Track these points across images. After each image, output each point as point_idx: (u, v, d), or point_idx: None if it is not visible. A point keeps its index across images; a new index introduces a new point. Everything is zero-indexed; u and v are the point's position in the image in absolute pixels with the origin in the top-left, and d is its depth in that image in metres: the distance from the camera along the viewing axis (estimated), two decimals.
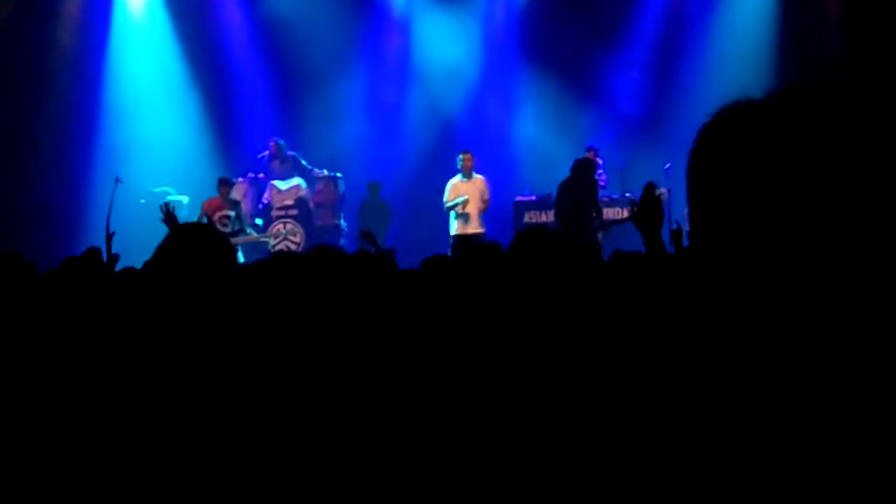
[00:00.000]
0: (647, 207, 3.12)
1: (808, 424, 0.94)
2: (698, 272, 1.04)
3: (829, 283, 0.95)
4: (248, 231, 11.48)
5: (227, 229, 11.09)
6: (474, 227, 10.77)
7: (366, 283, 2.99)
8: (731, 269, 1.00)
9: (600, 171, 12.15)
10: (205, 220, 10.61)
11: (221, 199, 11.51)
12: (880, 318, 0.94)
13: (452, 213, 10.95)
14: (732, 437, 0.98)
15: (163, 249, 2.34)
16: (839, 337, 0.95)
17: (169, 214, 6.39)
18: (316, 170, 12.67)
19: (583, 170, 10.14)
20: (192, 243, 2.33)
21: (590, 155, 11.64)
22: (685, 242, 5.65)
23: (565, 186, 10.11)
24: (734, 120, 1.03)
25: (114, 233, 6.78)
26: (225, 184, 11.62)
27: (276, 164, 12.63)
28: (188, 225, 2.49)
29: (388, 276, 3.41)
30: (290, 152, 12.71)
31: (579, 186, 9.98)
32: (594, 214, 10.13)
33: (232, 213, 11.35)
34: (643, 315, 2.37)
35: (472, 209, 10.87)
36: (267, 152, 12.74)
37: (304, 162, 12.69)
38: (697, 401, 1.02)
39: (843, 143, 0.95)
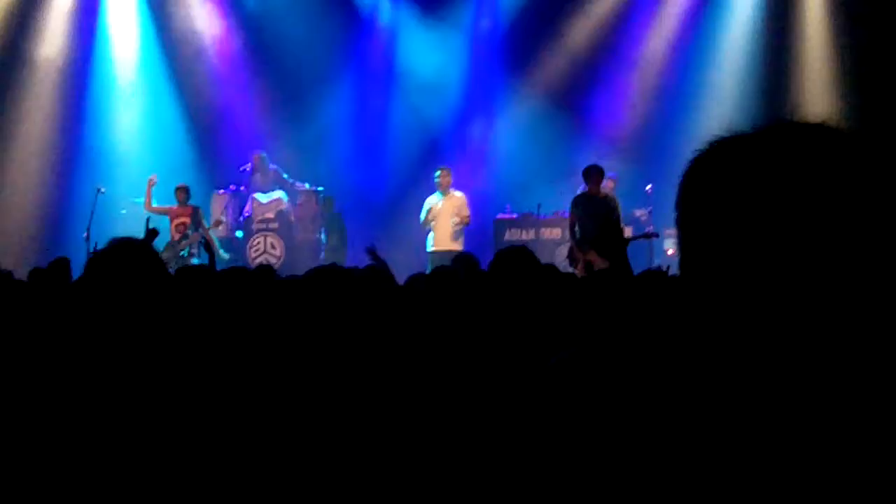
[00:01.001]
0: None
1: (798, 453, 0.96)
2: (689, 302, 1.06)
3: (817, 312, 0.97)
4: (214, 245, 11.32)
5: (186, 237, 11.09)
6: (448, 244, 10.60)
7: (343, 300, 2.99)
8: (722, 298, 1.02)
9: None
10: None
11: (179, 206, 11.47)
12: (872, 348, 0.97)
13: (429, 231, 10.93)
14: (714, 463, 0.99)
15: (92, 265, 2.34)
16: (830, 363, 0.97)
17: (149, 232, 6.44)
18: (298, 183, 12.65)
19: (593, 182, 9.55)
20: (119, 259, 2.32)
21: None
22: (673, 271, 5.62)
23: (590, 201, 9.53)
24: (724, 154, 1.05)
25: (97, 244, 6.75)
26: (181, 191, 11.60)
27: (257, 176, 12.61)
28: (119, 240, 2.47)
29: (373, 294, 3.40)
30: (271, 166, 12.69)
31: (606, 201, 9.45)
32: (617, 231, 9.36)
33: (189, 221, 11.33)
34: (623, 332, 2.38)
35: (446, 226, 10.81)
36: (249, 164, 12.72)
37: (285, 175, 12.67)
38: (674, 422, 1.03)
39: (834, 179, 0.98)
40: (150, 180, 11.63)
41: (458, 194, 10.98)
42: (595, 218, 9.30)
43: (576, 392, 1.13)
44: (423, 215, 10.94)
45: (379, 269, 3.94)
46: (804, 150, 1.00)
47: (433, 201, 10.92)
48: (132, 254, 2.34)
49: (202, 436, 2.12)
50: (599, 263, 8.59)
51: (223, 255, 11.21)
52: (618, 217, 9.48)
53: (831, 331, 0.97)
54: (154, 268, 2.36)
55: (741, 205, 1.00)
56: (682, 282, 1.08)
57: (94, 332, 2.25)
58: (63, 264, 5.21)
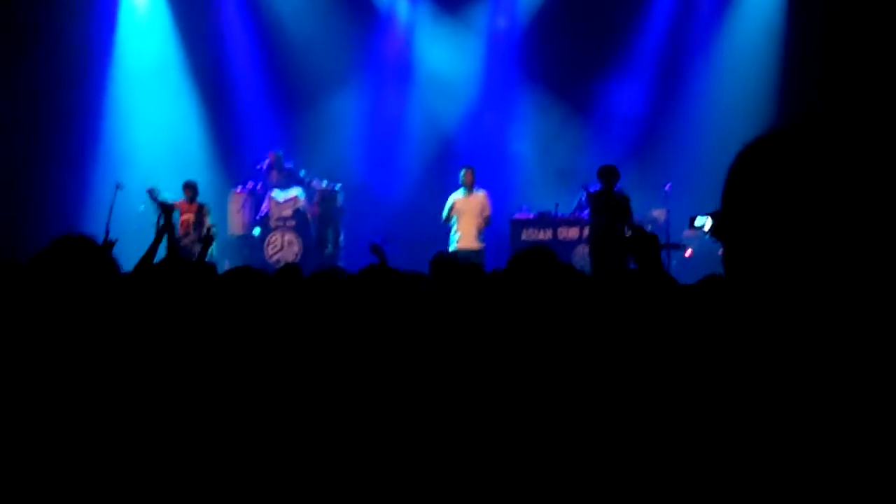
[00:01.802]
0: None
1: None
2: (736, 298, 1.05)
3: (866, 308, 0.97)
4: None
5: (192, 233, 11.03)
6: (471, 244, 10.73)
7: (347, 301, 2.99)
8: (771, 293, 1.02)
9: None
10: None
11: (186, 202, 11.45)
12: None
13: (452, 228, 10.95)
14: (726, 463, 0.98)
15: (40, 258, 2.34)
16: (875, 359, 0.97)
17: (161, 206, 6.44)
18: (315, 181, 12.67)
19: (613, 180, 9.63)
20: (67, 255, 2.32)
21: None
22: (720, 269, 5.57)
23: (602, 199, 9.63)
24: (771, 149, 1.05)
25: (115, 241, 6.76)
26: (189, 188, 11.52)
27: (273, 174, 12.63)
28: (67, 237, 2.46)
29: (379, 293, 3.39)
30: (287, 164, 12.71)
31: (615, 201, 9.53)
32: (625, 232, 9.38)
33: (193, 219, 11.26)
34: (645, 337, 2.37)
35: (470, 225, 10.86)
36: (266, 162, 12.75)
37: (301, 174, 12.69)
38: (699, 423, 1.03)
39: (880, 170, 0.98)
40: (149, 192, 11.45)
41: (481, 193, 11.02)
42: (614, 217, 9.34)
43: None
44: (445, 212, 10.98)
45: (377, 268, 3.96)
46: (853, 140, 1.00)
47: (456, 198, 10.96)
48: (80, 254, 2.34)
49: (203, 438, 2.12)
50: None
51: (213, 255, 11.13)
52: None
53: (885, 326, 0.96)
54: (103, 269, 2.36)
55: (788, 199, 1.00)
56: (727, 277, 1.07)
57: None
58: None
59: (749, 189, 1.05)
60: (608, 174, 9.63)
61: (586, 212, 10.33)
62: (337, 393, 2.42)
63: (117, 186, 10.93)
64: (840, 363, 0.97)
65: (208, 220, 11.26)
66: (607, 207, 9.50)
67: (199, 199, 11.59)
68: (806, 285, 0.99)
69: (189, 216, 11.33)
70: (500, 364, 2.45)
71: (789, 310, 1.00)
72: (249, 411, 2.27)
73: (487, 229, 11.01)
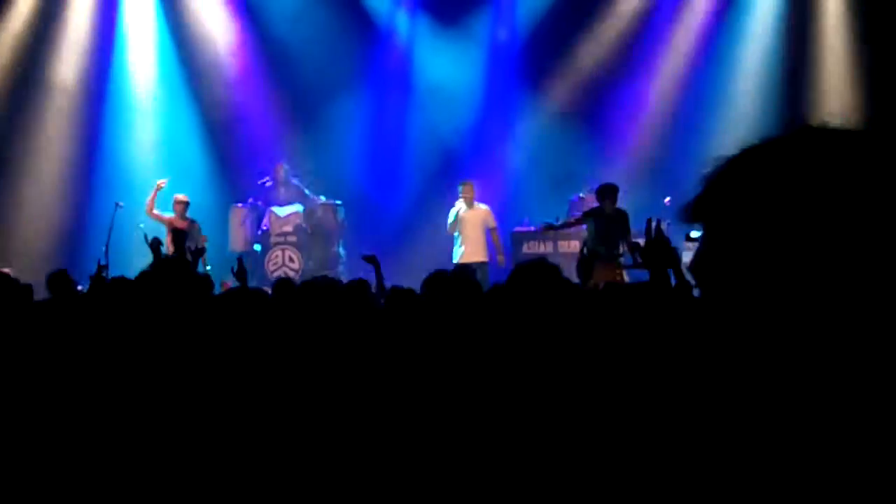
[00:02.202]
0: (656, 245, 3.09)
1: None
2: (714, 311, 1.05)
3: (849, 322, 0.95)
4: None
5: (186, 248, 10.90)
6: (476, 256, 10.79)
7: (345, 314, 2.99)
8: (750, 308, 1.00)
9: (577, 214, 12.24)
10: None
11: (178, 217, 11.39)
12: None
13: (456, 241, 10.99)
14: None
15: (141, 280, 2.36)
16: (859, 374, 0.95)
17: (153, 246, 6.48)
18: (315, 197, 12.68)
19: (610, 197, 9.82)
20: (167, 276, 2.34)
21: (589, 198, 11.69)
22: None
23: (597, 215, 9.84)
24: (751, 162, 1.04)
25: (106, 266, 6.81)
26: (180, 203, 11.47)
27: (280, 190, 12.63)
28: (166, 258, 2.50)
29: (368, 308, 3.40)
30: (293, 180, 12.72)
31: (613, 215, 9.71)
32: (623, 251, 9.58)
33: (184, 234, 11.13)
34: (644, 350, 2.36)
35: (473, 237, 10.90)
36: (269, 178, 12.76)
37: (307, 192, 12.68)
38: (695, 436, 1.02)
39: (863, 186, 0.97)
40: (159, 184, 11.56)
41: (484, 207, 11.07)
42: (614, 234, 9.53)
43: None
44: (450, 219, 10.99)
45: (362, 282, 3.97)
46: (831, 155, 0.99)
47: (459, 209, 11.00)
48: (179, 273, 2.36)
49: (205, 442, 2.11)
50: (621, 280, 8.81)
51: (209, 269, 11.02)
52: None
53: (860, 342, 0.95)
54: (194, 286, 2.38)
55: (768, 212, 0.99)
56: (703, 288, 1.06)
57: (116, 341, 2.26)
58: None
59: (730, 200, 1.03)
60: (604, 193, 9.81)
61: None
62: (330, 404, 2.42)
63: (117, 205, 10.94)
64: (835, 377, 0.96)
65: (199, 238, 11.08)
66: (600, 228, 9.67)
67: (195, 215, 11.54)
68: (789, 301, 0.97)
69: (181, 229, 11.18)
70: (500, 378, 2.44)
71: (767, 317, 0.99)
72: (244, 414, 2.26)
73: (486, 242, 11.07)
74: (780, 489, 0.95)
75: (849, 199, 0.96)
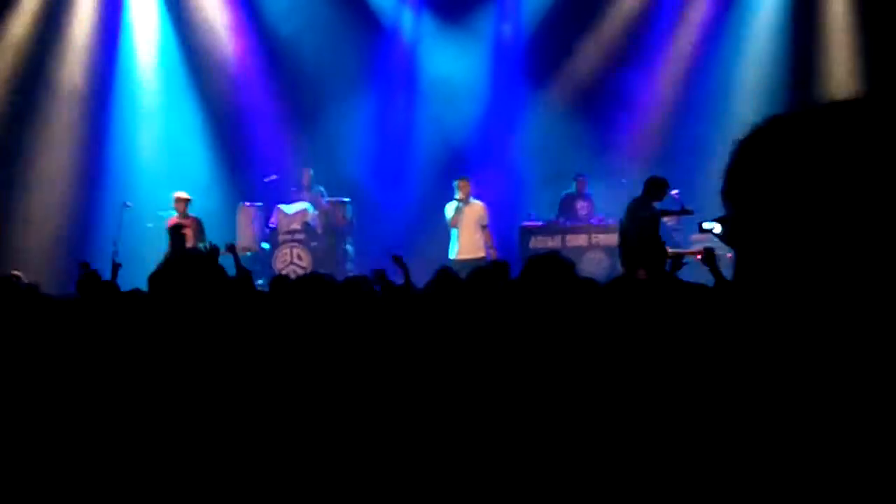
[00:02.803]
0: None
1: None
2: (744, 295, 1.01)
3: (878, 303, 0.92)
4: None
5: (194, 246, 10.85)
6: (472, 252, 10.78)
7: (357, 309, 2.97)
8: (779, 289, 0.96)
9: (584, 201, 12.20)
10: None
11: (179, 216, 11.28)
12: None
13: (453, 237, 11.00)
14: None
15: (159, 275, 2.34)
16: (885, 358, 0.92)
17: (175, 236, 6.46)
18: (326, 200, 12.69)
19: (648, 192, 9.48)
20: (186, 269, 2.32)
21: (579, 182, 11.94)
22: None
23: (632, 209, 9.52)
24: (773, 135, 0.99)
25: (119, 265, 6.78)
26: (181, 201, 11.33)
27: (304, 194, 12.62)
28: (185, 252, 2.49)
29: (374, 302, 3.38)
30: (318, 186, 12.71)
31: (643, 212, 9.39)
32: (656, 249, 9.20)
33: (190, 232, 10.90)
34: (657, 342, 2.34)
35: (469, 235, 10.92)
36: (274, 176, 12.78)
37: (325, 199, 12.65)
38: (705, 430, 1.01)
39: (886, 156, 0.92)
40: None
41: (478, 203, 11.07)
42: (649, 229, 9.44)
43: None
44: (451, 213, 11.01)
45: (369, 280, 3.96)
46: (860, 128, 0.94)
47: (456, 206, 11.00)
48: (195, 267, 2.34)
49: (205, 442, 2.10)
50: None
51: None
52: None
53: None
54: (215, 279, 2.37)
55: (792, 188, 0.94)
56: (734, 275, 1.02)
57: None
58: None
59: (757, 183, 0.99)
60: (659, 186, 9.52)
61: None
62: (335, 400, 2.40)
63: (125, 205, 10.93)
64: (856, 369, 0.93)
65: (205, 234, 10.96)
66: (629, 221, 9.50)
67: (203, 215, 11.48)
68: (822, 289, 0.94)
69: (186, 231, 10.91)
70: (512, 373, 2.42)
71: (803, 317, 0.95)
72: (244, 413, 2.25)
73: (494, 237, 11.06)
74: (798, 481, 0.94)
75: (879, 174, 0.92)
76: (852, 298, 0.92)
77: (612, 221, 11.80)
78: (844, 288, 0.92)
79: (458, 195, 11.02)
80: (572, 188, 12.38)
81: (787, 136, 0.98)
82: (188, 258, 2.39)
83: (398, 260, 6.39)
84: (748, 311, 0.99)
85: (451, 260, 10.78)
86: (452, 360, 2.59)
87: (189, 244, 10.62)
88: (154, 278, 2.38)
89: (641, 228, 9.24)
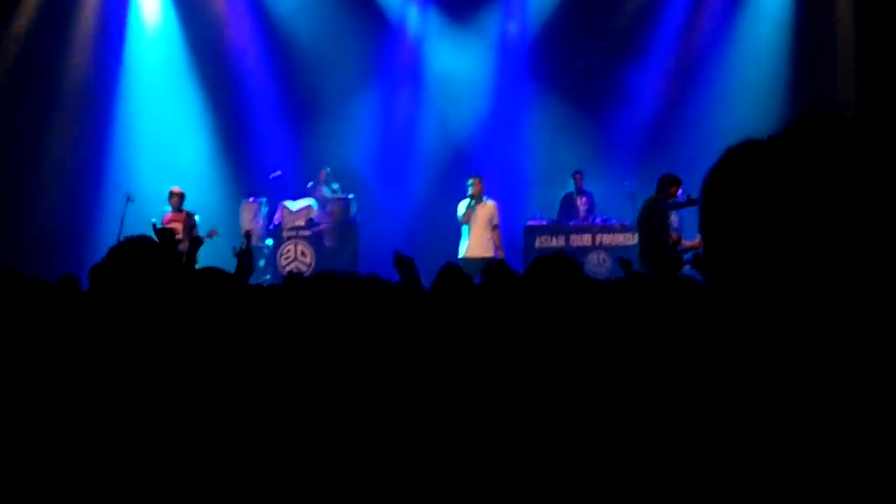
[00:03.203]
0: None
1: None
2: (715, 302, 1.04)
3: (844, 315, 0.95)
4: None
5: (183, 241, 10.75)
6: (481, 252, 10.76)
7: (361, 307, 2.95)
8: (747, 300, 1.00)
9: (583, 197, 12.19)
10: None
11: (173, 211, 11.25)
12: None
13: (464, 234, 11.00)
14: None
15: (103, 266, 2.30)
16: (853, 362, 0.95)
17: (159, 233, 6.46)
18: (330, 196, 12.72)
19: (661, 190, 9.57)
20: (132, 258, 2.28)
21: (577, 178, 12.02)
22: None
23: (650, 209, 9.59)
24: (745, 159, 1.03)
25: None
26: (175, 196, 11.31)
27: (319, 192, 12.66)
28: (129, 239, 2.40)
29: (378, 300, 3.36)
30: (334, 184, 12.74)
31: (654, 206, 9.50)
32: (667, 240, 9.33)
33: (182, 227, 10.88)
34: (660, 341, 2.33)
35: (479, 234, 10.92)
36: (279, 172, 12.81)
37: (337, 195, 12.70)
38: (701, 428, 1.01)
39: (856, 178, 0.95)
40: (210, 233, 10.68)
41: (490, 202, 11.06)
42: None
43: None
44: (462, 210, 11.00)
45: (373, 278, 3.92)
46: (825, 150, 0.97)
47: (467, 204, 11.02)
48: (146, 254, 2.30)
49: (205, 442, 2.09)
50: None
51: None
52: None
53: (857, 335, 0.95)
54: (168, 266, 2.32)
55: (762, 209, 0.98)
56: (708, 284, 1.07)
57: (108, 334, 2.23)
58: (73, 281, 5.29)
59: (727, 199, 1.03)
60: (671, 184, 9.59)
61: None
62: (335, 400, 2.39)
63: (128, 199, 10.91)
64: (835, 372, 0.95)
65: (196, 231, 10.79)
66: (645, 215, 9.56)
67: (206, 211, 11.48)
68: (782, 289, 0.97)
69: (177, 224, 10.94)
70: (516, 371, 2.42)
71: (766, 310, 0.98)
72: (245, 413, 2.24)
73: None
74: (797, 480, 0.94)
75: (845, 192, 0.94)
76: (824, 325, 0.95)
77: (615, 221, 11.79)
78: (815, 314, 0.95)
79: (470, 192, 11.03)
80: (571, 187, 12.38)
81: (753, 168, 1.01)
82: (130, 247, 2.30)
83: (408, 262, 6.23)
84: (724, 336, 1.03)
85: (459, 258, 10.80)
86: (458, 359, 2.58)
87: (179, 237, 10.48)
88: (95, 271, 2.33)
89: (660, 227, 9.34)
